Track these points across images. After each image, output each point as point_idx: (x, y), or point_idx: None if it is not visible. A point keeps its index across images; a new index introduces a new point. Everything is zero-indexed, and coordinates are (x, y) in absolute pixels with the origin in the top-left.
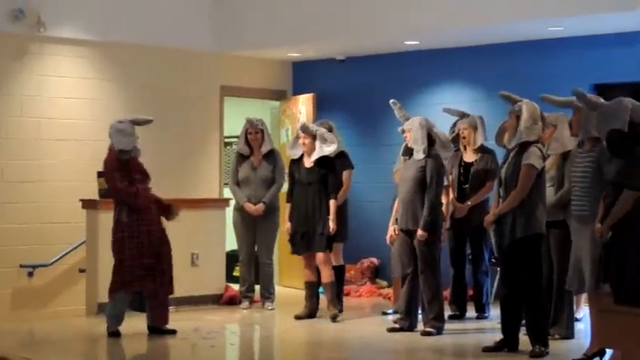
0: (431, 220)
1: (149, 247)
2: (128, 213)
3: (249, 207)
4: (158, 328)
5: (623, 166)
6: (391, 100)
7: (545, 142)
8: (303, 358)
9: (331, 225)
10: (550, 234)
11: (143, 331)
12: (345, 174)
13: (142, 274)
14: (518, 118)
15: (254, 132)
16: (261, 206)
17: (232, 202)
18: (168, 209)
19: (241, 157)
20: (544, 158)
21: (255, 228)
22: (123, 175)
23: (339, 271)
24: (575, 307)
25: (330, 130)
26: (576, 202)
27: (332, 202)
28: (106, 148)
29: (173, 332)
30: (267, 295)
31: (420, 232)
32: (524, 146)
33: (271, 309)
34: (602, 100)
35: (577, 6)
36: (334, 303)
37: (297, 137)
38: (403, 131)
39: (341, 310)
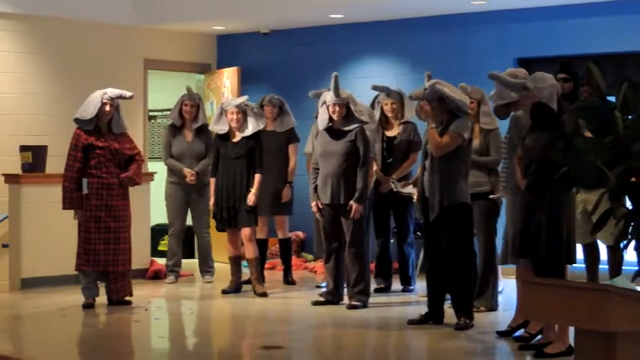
0: (364, 193)
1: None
2: None
3: (188, 172)
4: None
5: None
6: (334, 73)
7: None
8: (229, 333)
9: (252, 198)
10: (474, 206)
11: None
12: (291, 148)
13: None
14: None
15: (190, 105)
16: (194, 173)
17: (163, 176)
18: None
19: (174, 130)
20: (472, 131)
21: (188, 201)
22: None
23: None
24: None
25: (281, 105)
26: (502, 175)
27: (257, 177)
28: (28, 122)
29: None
30: (207, 268)
31: (355, 205)
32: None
33: (210, 282)
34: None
35: None
36: (260, 279)
37: (222, 112)
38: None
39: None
